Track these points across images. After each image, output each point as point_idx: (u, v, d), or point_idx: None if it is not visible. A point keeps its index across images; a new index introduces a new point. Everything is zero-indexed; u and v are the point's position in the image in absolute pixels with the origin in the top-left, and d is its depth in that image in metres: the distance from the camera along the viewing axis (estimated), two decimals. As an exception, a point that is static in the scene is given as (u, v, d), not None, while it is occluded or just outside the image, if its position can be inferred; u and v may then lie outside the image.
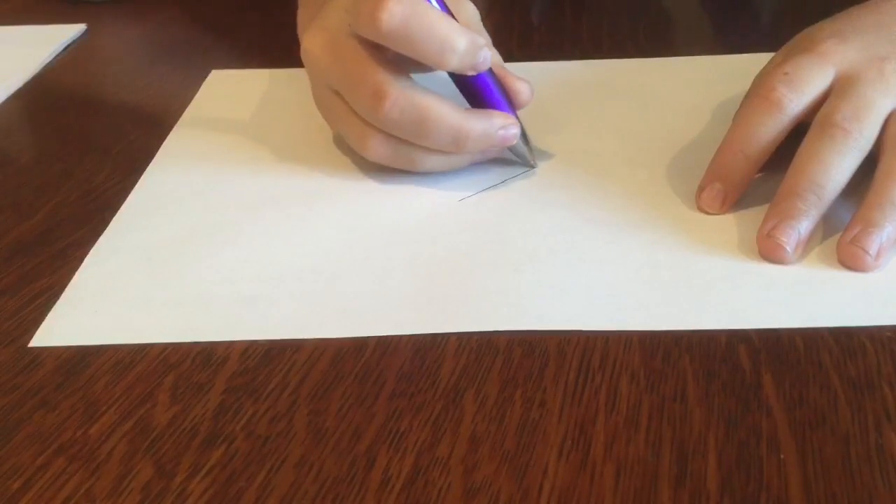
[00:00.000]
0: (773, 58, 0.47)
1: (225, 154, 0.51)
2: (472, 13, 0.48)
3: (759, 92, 0.42)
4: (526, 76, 0.46)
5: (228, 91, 0.59)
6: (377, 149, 0.45)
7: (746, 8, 0.69)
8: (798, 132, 0.42)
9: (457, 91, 0.46)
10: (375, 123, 0.44)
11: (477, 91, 0.45)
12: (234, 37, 0.69)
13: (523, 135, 0.46)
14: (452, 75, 0.45)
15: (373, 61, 0.43)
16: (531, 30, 0.66)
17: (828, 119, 0.40)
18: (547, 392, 0.33)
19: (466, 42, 0.42)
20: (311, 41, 0.45)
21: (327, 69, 0.45)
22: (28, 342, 0.38)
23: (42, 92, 0.62)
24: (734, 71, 0.49)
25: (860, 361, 0.34)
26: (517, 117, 0.46)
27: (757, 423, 0.31)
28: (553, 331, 0.36)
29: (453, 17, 0.44)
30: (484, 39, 0.43)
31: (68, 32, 0.70)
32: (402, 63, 0.44)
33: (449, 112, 0.43)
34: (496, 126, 0.44)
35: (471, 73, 0.44)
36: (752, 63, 0.48)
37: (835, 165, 0.40)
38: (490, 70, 0.45)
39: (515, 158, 0.47)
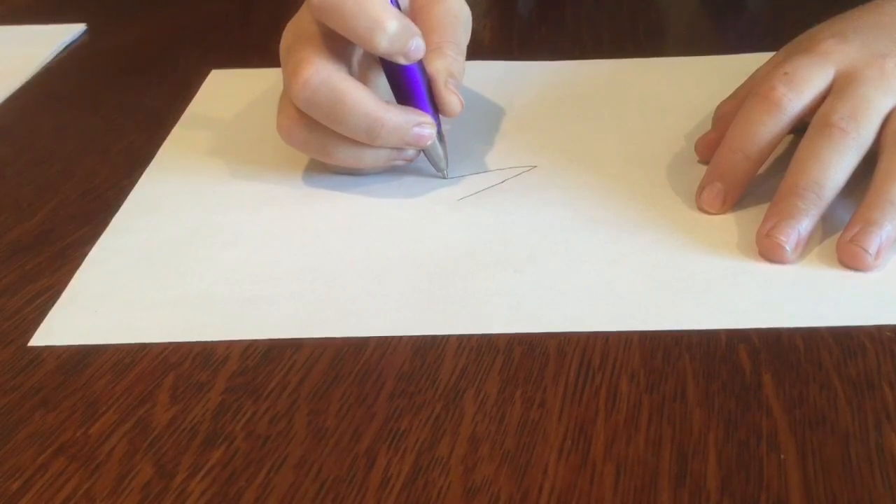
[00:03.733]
0: (772, 57, 0.47)
1: (225, 154, 0.51)
2: (453, 9, 0.47)
3: (759, 92, 0.42)
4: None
5: (228, 91, 0.59)
6: (291, 129, 0.44)
7: (745, 8, 0.69)
8: (799, 132, 0.42)
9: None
10: (293, 99, 0.43)
11: (404, 85, 0.44)
12: (234, 37, 0.69)
13: (441, 140, 0.46)
14: (384, 65, 0.44)
15: (313, 41, 0.42)
16: (531, 30, 0.66)
17: (825, 119, 0.40)
18: (547, 392, 0.33)
19: (398, 25, 0.41)
20: (284, 32, 0.46)
21: (282, 50, 0.45)
22: (28, 342, 0.38)
23: (42, 92, 0.62)
24: (734, 71, 0.49)
25: (860, 361, 0.34)
26: (439, 123, 0.45)
27: (757, 423, 0.31)
28: (553, 331, 0.36)
29: (397, 4, 0.43)
30: (416, 28, 0.43)
31: (68, 32, 0.70)
32: (372, 72, 0.44)
33: (366, 99, 0.42)
34: (412, 122, 0.44)
35: (401, 60, 0.43)
36: (751, 63, 0.48)
37: (833, 164, 0.39)
38: (423, 69, 0.44)
39: (429, 167, 0.47)
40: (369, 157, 0.45)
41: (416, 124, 0.44)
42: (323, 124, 0.43)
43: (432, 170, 0.47)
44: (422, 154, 0.46)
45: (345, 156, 0.45)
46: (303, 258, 0.42)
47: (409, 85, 0.44)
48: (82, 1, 0.78)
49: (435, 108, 0.45)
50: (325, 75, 0.42)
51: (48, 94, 0.62)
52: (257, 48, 0.65)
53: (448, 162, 0.47)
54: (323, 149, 0.45)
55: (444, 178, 0.47)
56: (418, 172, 0.47)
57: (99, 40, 0.70)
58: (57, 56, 0.67)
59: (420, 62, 0.44)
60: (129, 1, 0.77)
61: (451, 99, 0.45)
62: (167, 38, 0.70)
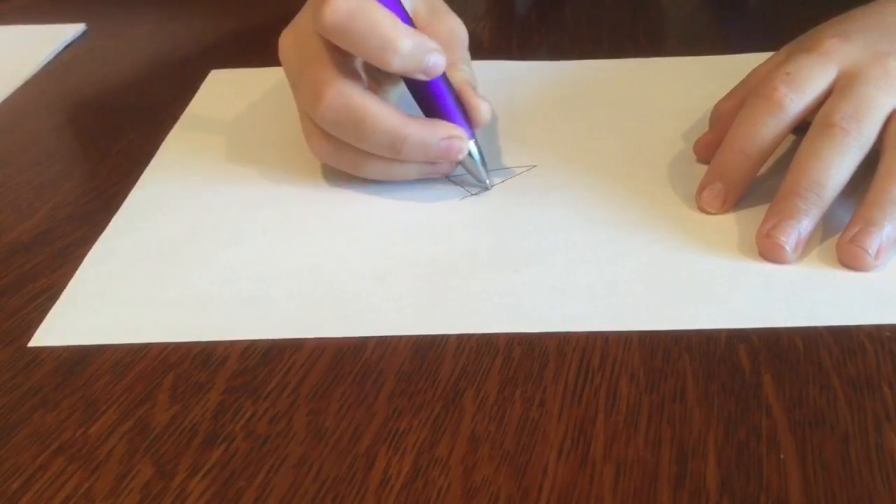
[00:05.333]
0: (772, 56, 0.47)
1: (225, 154, 0.51)
2: (455, 28, 0.48)
3: (761, 92, 0.42)
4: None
5: (228, 91, 0.59)
6: (321, 148, 0.45)
7: (745, 8, 0.69)
8: (801, 132, 0.42)
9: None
10: (318, 122, 0.43)
11: (430, 100, 0.44)
12: (234, 37, 0.69)
13: (479, 152, 0.45)
14: (408, 83, 0.44)
15: (324, 60, 0.42)
16: (531, 30, 0.66)
17: (827, 118, 0.40)
18: (547, 392, 0.33)
19: (412, 44, 0.41)
20: (283, 38, 0.46)
21: (289, 66, 0.45)
22: (28, 342, 0.38)
23: (42, 92, 0.62)
24: (734, 71, 0.49)
25: (860, 361, 0.34)
26: (474, 134, 0.45)
27: (757, 423, 0.31)
28: (553, 331, 0.36)
29: (411, 22, 0.43)
30: (435, 45, 0.42)
31: (68, 32, 0.70)
32: (382, 76, 0.44)
33: (386, 115, 0.42)
34: (438, 136, 0.43)
35: (421, 77, 0.42)
36: (751, 63, 0.48)
37: (835, 164, 0.39)
38: (447, 82, 0.44)
39: (469, 178, 0.46)
40: (399, 172, 0.45)
41: (445, 138, 0.43)
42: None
43: (473, 180, 0.46)
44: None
45: (375, 170, 0.45)
46: (303, 258, 0.42)
47: (434, 99, 0.44)
48: (82, 1, 0.78)
49: (467, 119, 0.45)
50: (346, 97, 0.42)
51: (48, 94, 0.62)
52: (257, 48, 0.65)
53: (488, 172, 0.46)
54: (353, 165, 0.45)
55: (488, 188, 0.46)
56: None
57: (99, 40, 0.70)
58: (57, 56, 0.67)
59: (444, 76, 0.44)
60: (129, 1, 0.77)
61: (482, 104, 0.44)
62: (167, 37, 0.70)
